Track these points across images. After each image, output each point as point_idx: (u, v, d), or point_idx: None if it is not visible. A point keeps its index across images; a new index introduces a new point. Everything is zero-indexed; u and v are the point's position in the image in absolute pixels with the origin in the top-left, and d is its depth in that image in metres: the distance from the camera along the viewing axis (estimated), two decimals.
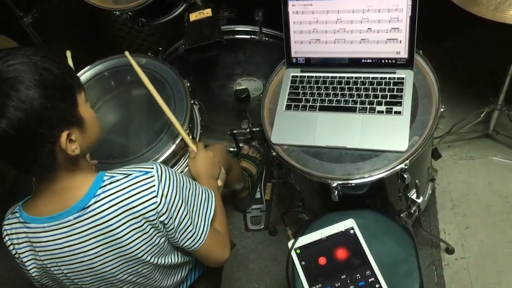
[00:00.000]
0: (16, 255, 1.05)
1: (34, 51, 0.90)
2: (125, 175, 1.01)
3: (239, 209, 1.96)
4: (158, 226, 1.03)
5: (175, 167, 1.44)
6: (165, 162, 1.40)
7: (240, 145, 2.03)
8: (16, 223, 1.03)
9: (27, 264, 1.05)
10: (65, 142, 0.91)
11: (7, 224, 1.04)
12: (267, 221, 1.93)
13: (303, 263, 1.21)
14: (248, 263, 1.85)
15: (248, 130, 1.92)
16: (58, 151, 0.92)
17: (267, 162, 1.99)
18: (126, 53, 1.52)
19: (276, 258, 1.84)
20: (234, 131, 1.91)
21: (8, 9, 1.71)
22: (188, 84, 1.52)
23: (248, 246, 1.89)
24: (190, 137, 1.41)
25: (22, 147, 0.88)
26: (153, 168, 1.03)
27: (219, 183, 1.38)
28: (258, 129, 1.91)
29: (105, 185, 0.99)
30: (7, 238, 1.04)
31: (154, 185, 1.00)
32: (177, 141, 1.40)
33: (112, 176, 1.01)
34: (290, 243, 1.24)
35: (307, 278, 1.19)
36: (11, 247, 1.05)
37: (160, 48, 1.77)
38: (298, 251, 1.23)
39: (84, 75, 1.59)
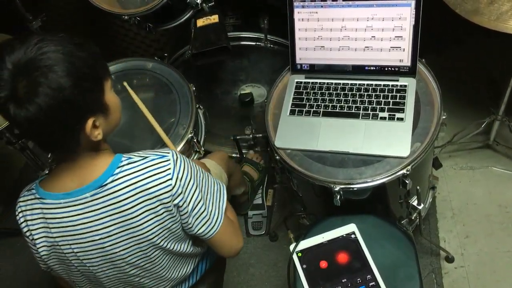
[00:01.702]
0: (28, 233, 1.06)
1: (67, 38, 0.92)
2: (142, 158, 1.03)
3: (237, 212, 1.97)
4: (172, 210, 1.04)
5: None
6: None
7: (244, 151, 2.04)
8: (32, 199, 1.04)
9: (37, 241, 1.06)
10: (90, 128, 0.94)
11: (22, 201, 1.06)
12: (268, 227, 1.94)
13: (304, 266, 1.22)
14: (248, 268, 1.85)
15: (251, 136, 1.94)
16: (83, 136, 0.96)
17: (269, 169, 2.00)
18: (125, 83, 1.55)
19: (276, 264, 1.85)
20: (237, 137, 1.93)
21: (17, 12, 1.73)
22: (194, 88, 1.54)
23: (249, 251, 1.90)
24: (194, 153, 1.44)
25: (49, 130, 0.91)
26: (169, 153, 1.05)
27: None
28: (261, 135, 1.92)
29: (123, 165, 1.01)
30: (20, 215, 1.06)
31: (169, 168, 1.02)
32: (182, 144, 1.42)
33: (130, 158, 1.03)
34: (291, 246, 1.25)
35: (308, 281, 1.19)
36: (23, 224, 1.06)
37: (166, 54, 1.79)
38: (299, 254, 1.24)
39: None
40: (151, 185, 1.01)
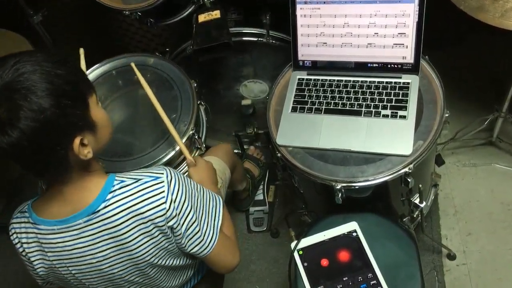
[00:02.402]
0: (24, 253, 1.06)
1: (45, 56, 0.89)
2: (135, 180, 1.01)
3: (237, 209, 1.97)
4: (167, 232, 1.03)
5: (181, 166, 1.45)
6: (170, 161, 1.41)
7: (245, 147, 2.03)
8: (25, 222, 1.03)
9: (35, 263, 1.06)
10: (77, 147, 0.91)
11: (15, 223, 1.05)
12: (269, 223, 1.93)
13: (305, 264, 1.22)
14: (249, 264, 1.85)
15: (252, 132, 1.93)
16: (71, 156, 0.92)
17: (271, 165, 2.00)
18: (132, 64, 1.52)
19: (277, 260, 1.85)
20: (239, 133, 1.92)
21: (18, 7, 1.73)
22: (195, 85, 1.53)
23: (250, 247, 1.90)
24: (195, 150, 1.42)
25: (35, 154, 0.88)
26: (163, 173, 1.02)
27: (220, 182, 1.39)
28: (262, 131, 1.92)
29: (115, 190, 0.99)
30: (14, 236, 1.05)
31: (163, 191, 1.00)
32: (183, 141, 1.41)
33: (122, 181, 1.00)
34: (292, 244, 1.24)
35: (309, 279, 1.19)
36: (18, 245, 1.05)
37: (168, 49, 1.78)
38: (300, 252, 1.24)
39: (93, 73, 1.61)
40: (145, 209, 0.99)
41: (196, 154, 1.50)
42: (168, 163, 1.42)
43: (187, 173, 1.31)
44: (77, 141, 0.91)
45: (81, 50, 1.47)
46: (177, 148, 1.41)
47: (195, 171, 1.31)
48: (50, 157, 0.90)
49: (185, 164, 1.48)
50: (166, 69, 1.59)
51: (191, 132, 1.43)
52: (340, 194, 1.26)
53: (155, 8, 1.52)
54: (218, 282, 1.44)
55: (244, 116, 1.82)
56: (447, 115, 1.30)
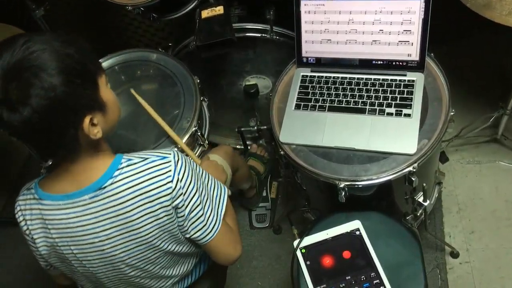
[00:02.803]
0: (27, 231, 1.06)
1: (54, 36, 0.90)
2: (143, 159, 1.02)
3: (246, 207, 1.97)
4: (171, 213, 1.03)
5: None
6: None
7: (248, 143, 2.03)
8: (30, 199, 1.04)
9: (37, 241, 1.06)
10: (87, 126, 0.93)
11: (21, 200, 1.05)
12: (272, 220, 1.93)
13: (308, 262, 1.21)
14: (252, 261, 1.85)
15: (255, 128, 1.92)
16: (81, 135, 0.94)
17: (274, 161, 1.99)
18: (132, 90, 1.50)
19: (280, 257, 1.84)
20: (242, 129, 1.91)
21: (20, 1, 1.72)
22: (198, 81, 1.52)
23: (252, 243, 1.89)
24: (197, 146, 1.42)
25: (46, 133, 0.90)
26: (170, 153, 1.03)
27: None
28: (265, 127, 1.91)
29: (122, 167, 1.00)
30: (20, 213, 1.05)
31: (170, 170, 1.01)
32: (186, 137, 1.41)
33: (130, 159, 1.02)
34: (295, 243, 1.24)
35: (312, 278, 1.19)
36: (22, 223, 1.06)
37: (170, 44, 1.77)
38: (303, 250, 1.23)
39: None
40: (152, 187, 1.00)
41: (198, 151, 1.49)
42: None
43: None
44: (87, 120, 0.92)
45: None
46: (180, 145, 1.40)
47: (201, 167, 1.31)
48: (61, 136, 0.91)
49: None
50: (169, 64, 1.58)
51: (194, 128, 1.42)
52: (343, 193, 1.25)
53: (158, 3, 1.51)
54: (221, 277, 1.44)
55: (247, 95, 1.80)
56: (452, 113, 1.29)
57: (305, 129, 1.34)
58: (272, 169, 2.00)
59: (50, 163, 1.67)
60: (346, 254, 1.21)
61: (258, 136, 2.01)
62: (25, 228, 1.06)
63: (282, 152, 1.34)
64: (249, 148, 2.02)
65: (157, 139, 1.43)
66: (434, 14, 1.29)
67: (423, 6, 1.28)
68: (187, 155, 1.37)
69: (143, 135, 1.45)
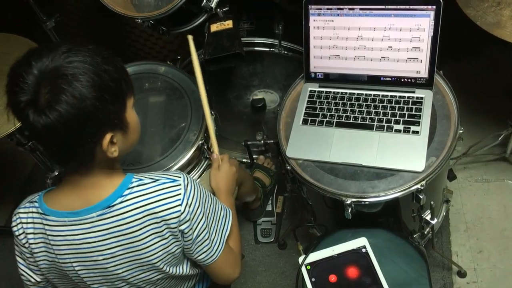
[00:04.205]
0: (26, 244, 1.04)
1: (97, 50, 0.92)
2: (153, 180, 1.02)
3: (248, 219, 1.96)
4: (177, 235, 1.03)
5: (190, 175, 1.44)
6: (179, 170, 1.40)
7: (254, 156, 2.02)
8: (34, 212, 1.02)
9: (38, 255, 1.04)
10: (107, 143, 0.93)
11: (23, 212, 1.04)
12: (277, 234, 1.92)
13: (313, 279, 1.20)
14: (256, 276, 1.83)
15: (262, 142, 1.92)
16: (99, 151, 0.94)
17: (280, 175, 1.98)
18: (189, 37, 1.44)
19: (284, 272, 1.83)
20: (248, 142, 1.91)
21: (31, 12, 1.73)
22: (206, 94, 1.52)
23: (257, 258, 1.88)
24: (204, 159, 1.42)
25: (66, 141, 0.90)
26: (180, 177, 1.03)
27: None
28: (272, 141, 1.90)
29: (132, 187, 1.00)
30: (19, 226, 1.03)
31: (180, 193, 1.01)
32: (192, 150, 1.41)
33: (140, 179, 1.02)
34: (300, 259, 1.23)
35: None
36: (21, 236, 1.03)
37: (179, 57, 1.78)
38: (308, 267, 1.22)
39: None
40: (160, 209, 0.99)
41: (205, 164, 1.49)
42: None
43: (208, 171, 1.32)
44: (108, 137, 0.93)
45: (190, 37, 1.42)
46: (186, 157, 1.40)
47: (216, 174, 1.31)
48: (79, 147, 0.92)
49: (196, 172, 1.47)
50: (177, 78, 1.59)
51: (200, 142, 1.43)
52: (350, 209, 1.24)
53: (168, 17, 1.52)
54: None
55: (254, 109, 1.81)
56: (461, 131, 1.28)
57: (312, 144, 1.34)
58: (278, 182, 1.99)
59: (56, 173, 1.68)
60: (352, 272, 1.20)
61: (265, 150, 2.01)
62: (24, 241, 1.04)
63: (288, 167, 1.33)
64: (255, 160, 2.01)
65: (164, 151, 1.43)
66: (443, 31, 1.28)
67: (433, 23, 1.27)
68: (212, 149, 1.37)
69: (149, 147, 1.45)
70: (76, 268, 1.03)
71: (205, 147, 1.44)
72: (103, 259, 1.02)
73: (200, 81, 1.37)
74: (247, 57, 1.52)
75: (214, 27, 1.49)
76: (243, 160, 2.06)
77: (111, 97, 0.91)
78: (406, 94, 1.36)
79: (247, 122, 1.95)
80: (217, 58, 1.46)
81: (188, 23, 1.62)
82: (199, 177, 1.48)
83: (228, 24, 1.49)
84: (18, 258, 1.08)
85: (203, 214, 1.05)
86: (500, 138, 1.81)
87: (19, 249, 1.06)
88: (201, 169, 1.48)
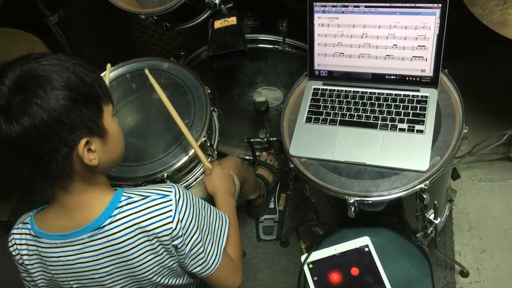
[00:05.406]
0: (23, 265, 1.05)
1: (68, 57, 0.92)
2: (143, 197, 1.00)
3: (251, 216, 1.95)
4: (171, 250, 1.02)
5: (192, 173, 1.44)
6: (182, 168, 1.40)
7: (257, 154, 2.02)
8: (26, 234, 1.02)
9: (35, 275, 1.05)
10: (82, 149, 0.90)
11: (16, 234, 1.04)
12: (279, 232, 1.91)
13: (315, 278, 1.19)
14: (258, 273, 1.83)
15: (265, 139, 1.91)
16: (75, 157, 0.91)
17: (282, 173, 1.98)
18: (146, 70, 1.51)
19: (286, 270, 1.82)
20: (251, 139, 1.90)
21: (34, 7, 1.73)
22: (209, 91, 1.52)
23: (259, 256, 1.87)
24: (206, 156, 1.41)
25: (39, 146, 0.88)
26: (171, 191, 1.01)
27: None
28: (275, 138, 1.90)
29: (121, 206, 0.98)
30: (15, 247, 1.04)
31: (171, 210, 0.99)
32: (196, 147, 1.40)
33: (130, 197, 1.00)
34: (303, 257, 1.22)
35: None
36: (17, 257, 1.04)
37: (182, 53, 1.77)
38: (310, 266, 1.21)
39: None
40: (152, 227, 0.98)
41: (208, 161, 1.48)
42: (180, 169, 1.41)
43: (201, 179, 1.30)
44: (82, 141, 0.90)
45: (108, 66, 1.51)
46: (190, 154, 1.40)
47: (209, 180, 1.30)
48: (53, 153, 0.89)
49: (199, 169, 1.47)
50: (180, 74, 1.58)
51: (203, 138, 1.42)
52: (353, 208, 1.23)
53: (172, 13, 1.51)
54: None
55: (256, 112, 1.80)
56: (465, 131, 1.27)
57: (316, 143, 1.33)
58: (281, 179, 1.99)
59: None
60: (354, 271, 1.19)
61: (268, 147, 2.00)
62: (20, 261, 1.04)
63: (291, 165, 1.33)
64: (258, 157, 2.00)
65: (166, 148, 1.43)
66: (449, 30, 1.27)
67: (438, 21, 1.26)
68: (199, 157, 1.37)
69: (153, 144, 1.45)
70: (74, 286, 1.04)
71: (208, 144, 1.44)
72: (99, 277, 1.02)
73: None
74: (251, 54, 1.51)
75: (218, 24, 1.49)
76: (246, 157, 2.05)
77: (83, 99, 0.90)
78: (411, 93, 1.35)
79: (251, 119, 1.94)
80: (221, 55, 1.45)
81: (192, 19, 1.61)
82: (201, 174, 1.47)
83: (232, 20, 1.48)
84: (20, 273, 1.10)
85: (197, 227, 1.04)
86: (504, 138, 1.80)
87: (17, 267, 1.07)
88: (202, 175, 1.47)
